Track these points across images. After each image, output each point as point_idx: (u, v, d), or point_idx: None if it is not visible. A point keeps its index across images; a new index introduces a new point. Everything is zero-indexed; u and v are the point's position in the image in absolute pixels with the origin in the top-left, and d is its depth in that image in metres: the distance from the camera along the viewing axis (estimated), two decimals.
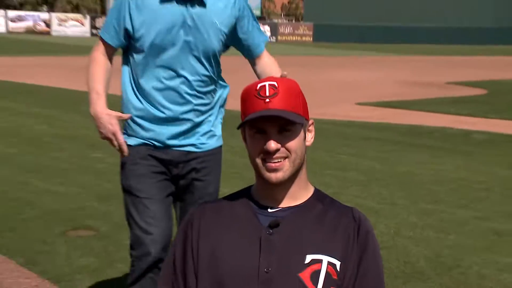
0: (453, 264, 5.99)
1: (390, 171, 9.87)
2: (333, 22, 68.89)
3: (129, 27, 3.51)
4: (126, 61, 3.63)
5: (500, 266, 5.98)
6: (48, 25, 61.21)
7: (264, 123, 2.22)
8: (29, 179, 8.74)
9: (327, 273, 2.21)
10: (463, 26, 69.46)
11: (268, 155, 2.23)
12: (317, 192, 2.42)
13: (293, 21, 79.39)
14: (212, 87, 3.76)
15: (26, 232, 6.61)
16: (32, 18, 62.20)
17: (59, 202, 7.67)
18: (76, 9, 78.53)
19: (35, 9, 73.57)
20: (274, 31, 68.53)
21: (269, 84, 2.24)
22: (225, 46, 3.74)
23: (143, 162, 3.61)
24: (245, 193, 2.43)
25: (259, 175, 2.30)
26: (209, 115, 3.80)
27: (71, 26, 61.98)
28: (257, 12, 74.35)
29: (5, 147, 10.89)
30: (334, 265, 2.22)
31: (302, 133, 2.30)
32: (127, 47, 3.63)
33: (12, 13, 62.16)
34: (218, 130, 3.87)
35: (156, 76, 3.57)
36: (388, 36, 66.29)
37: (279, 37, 67.45)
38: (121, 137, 3.47)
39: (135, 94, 3.68)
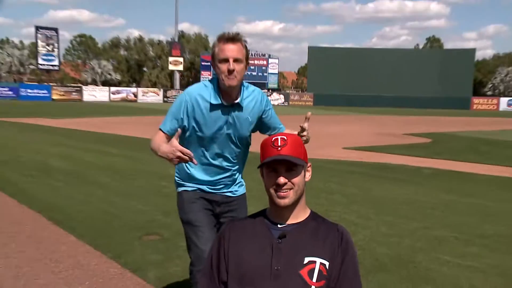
0: (408, 261, 6.03)
1: (365, 195, 9.88)
2: (327, 92, 68.77)
3: (186, 124, 3.51)
4: (181, 141, 3.56)
5: (441, 262, 6.00)
6: (135, 95, 61.62)
7: (277, 165, 2.40)
8: (117, 200, 8.88)
9: (319, 270, 2.34)
10: (416, 96, 69.28)
11: (278, 187, 2.40)
12: (312, 213, 2.56)
13: (300, 91, 78.97)
14: (242, 156, 3.80)
15: (114, 236, 6.73)
16: (126, 92, 62.56)
17: (137, 216, 7.79)
18: (154, 85, 78.94)
19: (127, 86, 74.15)
20: (287, 98, 68.60)
21: (281, 138, 2.43)
22: (253, 130, 3.72)
23: (198, 201, 3.65)
24: (261, 213, 2.57)
25: (271, 200, 2.46)
26: (239, 172, 3.85)
27: (150, 96, 62.27)
28: (275, 86, 74.10)
29: (103, 177, 11.06)
30: (324, 265, 2.36)
31: (303, 172, 2.46)
32: (185, 135, 3.61)
33: (113, 89, 62.74)
34: (243, 181, 3.93)
35: (203, 155, 3.60)
36: (365, 101, 66.10)
37: (290, 102, 67.51)
38: (184, 149, 3.17)
39: (186, 165, 3.68)
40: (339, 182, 11.19)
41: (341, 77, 74.33)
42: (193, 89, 3.53)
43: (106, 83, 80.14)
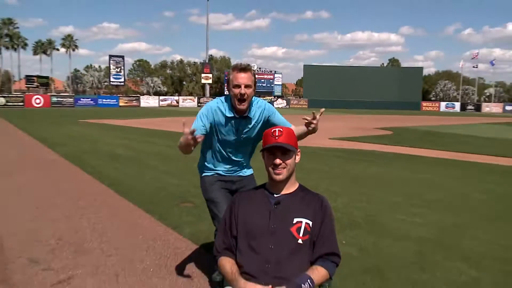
0: (375, 220, 6.00)
1: (345, 173, 9.84)
2: (318, 98, 68.53)
3: (207, 127, 3.39)
4: (204, 140, 3.40)
5: (398, 220, 6.00)
6: (177, 102, 61.78)
7: (274, 150, 2.42)
8: (162, 177, 8.88)
9: (305, 228, 2.37)
10: (381, 100, 69.31)
11: (275, 166, 2.42)
12: (300, 186, 2.57)
13: (298, 97, 79.03)
14: (250, 151, 3.74)
15: (160, 203, 6.73)
16: (170, 99, 62.87)
17: (176, 188, 7.77)
18: (190, 94, 79.47)
19: (172, 95, 74.91)
20: (288, 102, 68.52)
21: (278, 129, 2.45)
22: (263, 130, 3.33)
23: (216, 183, 3.61)
24: (262, 186, 2.58)
25: (270, 176, 2.48)
26: (247, 160, 3.75)
27: (188, 102, 62.32)
28: (279, 94, 74.13)
29: (152, 160, 11.11)
30: (308, 224, 2.38)
31: (294, 156, 2.48)
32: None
33: (161, 97, 63.32)
34: (250, 165, 3.82)
35: (219, 151, 3.56)
36: (346, 105, 66.04)
37: (290, 106, 67.47)
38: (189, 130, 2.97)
39: (206, 157, 3.66)
40: (326, 163, 11.15)
41: (328, 87, 74.03)
42: (213, 103, 3.46)
43: (157, 93, 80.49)
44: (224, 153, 3.58)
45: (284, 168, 2.43)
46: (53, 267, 4.23)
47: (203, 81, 73.27)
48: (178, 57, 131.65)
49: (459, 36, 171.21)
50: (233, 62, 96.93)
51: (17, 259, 4.42)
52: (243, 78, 3.26)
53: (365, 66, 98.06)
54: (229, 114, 3.40)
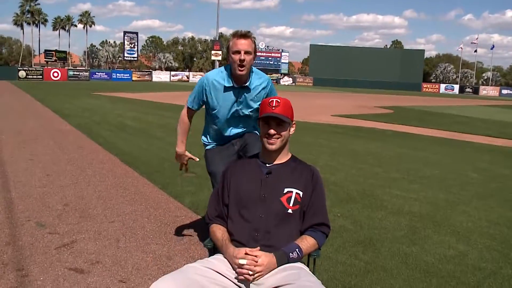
0: (370, 194, 5.92)
1: (344, 148, 9.75)
2: (323, 76, 68.19)
3: (205, 100, 3.37)
4: (206, 114, 3.53)
5: (392, 195, 5.90)
6: (188, 77, 61.62)
7: (270, 119, 2.30)
8: (168, 147, 8.58)
9: (295, 198, 2.28)
10: (384, 80, 68.64)
11: (269, 136, 2.30)
12: (293, 156, 2.45)
13: (304, 76, 78.49)
14: (253, 120, 3.47)
15: (164, 173, 6.68)
16: (181, 75, 62.75)
17: None
18: (200, 70, 79.13)
19: (183, 70, 74.48)
20: (294, 80, 68.26)
21: (275, 100, 2.32)
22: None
23: (217, 155, 3.54)
24: (256, 156, 2.48)
25: (263, 145, 2.36)
26: (250, 127, 3.54)
27: (198, 77, 62.01)
28: (286, 72, 73.53)
29: (159, 132, 10.93)
30: (299, 194, 2.29)
31: (288, 127, 2.36)
32: (206, 108, 3.48)
33: (172, 73, 63.13)
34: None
35: (220, 123, 3.43)
36: (349, 83, 65.60)
37: (296, 83, 67.11)
38: (184, 166, 3.73)
39: (209, 130, 3.62)
40: (326, 138, 11.06)
41: (333, 66, 73.55)
42: (211, 74, 3.32)
43: (168, 68, 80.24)
44: (225, 127, 3.46)
45: (278, 138, 2.31)
46: (58, 231, 4.19)
47: (213, 57, 72.43)
48: (189, 35, 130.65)
49: (459, 21, 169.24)
50: None
51: (26, 222, 4.39)
52: (243, 44, 3.09)
53: (369, 47, 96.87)
54: (228, 84, 3.24)
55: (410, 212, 5.21)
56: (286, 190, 2.29)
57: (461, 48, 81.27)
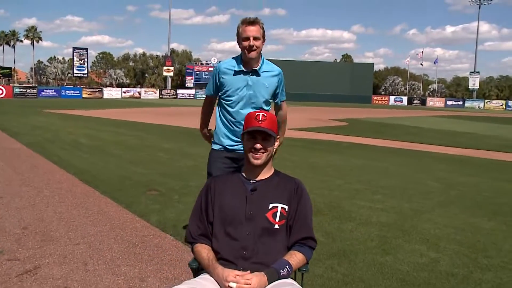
0: (336, 206, 5.95)
1: (305, 161, 9.82)
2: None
3: (218, 84, 3.41)
4: (219, 104, 3.52)
5: (358, 206, 5.96)
6: (139, 94, 60.47)
7: (256, 133, 2.27)
8: (127, 166, 8.58)
9: (281, 213, 2.24)
10: (335, 94, 70.12)
11: (255, 150, 2.27)
12: (276, 171, 2.43)
13: None
14: None
15: (126, 192, 6.48)
16: (133, 91, 61.45)
17: (142, 177, 7.51)
18: (152, 86, 78.05)
19: (134, 87, 73.31)
20: None
21: (262, 114, 2.30)
22: (271, 96, 3.50)
23: (219, 160, 3.44)
24: (238, 171, 2.43)
25: (247, 160, 2.32)
26: None
27: (150, 94, 61.13)
28: None
29: (117, 150, 10.70)
30: (284, 208, 2.25)
31: (274, 141, 2.33)
32: (219, 98, 3.50)
33: (124, 89, 61.82)
34: None
35: (230, 113, 3.40)
36: (302, 97, 66.28)
37: None
38: (209, 140, 3.61)
39: (220, 126, 3.50)
40: (287, 152, 11.06)
41: (285, 80, 73.98)
42: (222, 63, 3.44)
43: (119, 85, 78.93)
44: (232, 119, 3.41)
45: (263, 153, 2.28)
46: (18, 257, 3.95)
47: (165, 73, 72.50)
48: (140, 50, 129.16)
49: (405, 36, 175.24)
50: (194, 55, 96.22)
51: None
52: (252, 30, 3.19)
53: (319, 61, 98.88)
54: (237, 68, 3.32)
55: (378, 222, 5.26)
56: (271, 205, 2.25)
57: (408, 61, 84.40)
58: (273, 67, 3.47)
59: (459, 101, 69.28)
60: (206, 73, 70.87)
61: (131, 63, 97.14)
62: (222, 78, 3.37)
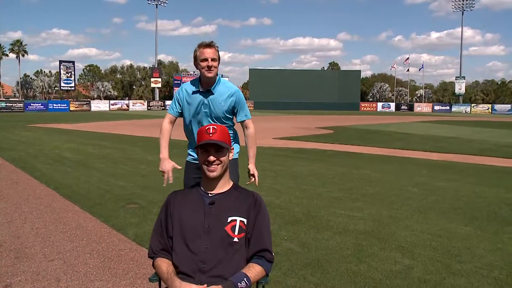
0: (315, 215, 5.98)
1: (287, 170, 9.84)
2: (263, 100, 68.90)
3: (181, 106, 3.60)
4: (184, 119, 3.66)
5: (337, 214, 5.99)
6: (127, 106, 60.29)
7: (208, 146, 2.30)
8: (108, 179, 8.53)
9: (239, 226, 2.26)
10: (323, 101, 70.37)
11: (209, 163, 2.29)
12: (234, 184, 2.46)
13: (245, 100, 78.99)
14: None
15: (105, 206, 6.46)
16: (120, 103, 61.21)
17: (122, 190, 7.50)
18: (140, 98, 77.78)
19: (122, 99, 72.97)
20: None
21: (212, 127, 2.33)
22: (230, 113, 3.62)
23: (192, 171, 3.59)
24: (197, 185, 2.44)
25: (204, 174, 2.35)
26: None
27: (138, 105, 61.07)
28: None
29: (99, 163, 10.57)
30: (243, 221, 2.28)
31: (227, 153, 2.36)
32: (183, 115, 3.65)
33: (112, 101, 61.48)
34: (235, 147, 3.69)
35: (193, 128, 3.59)
36: (289, 106, 66.73)
37: None
38: (169, 175, 3.47)
39: (189, 139, 3.73)
40: (269, 161, 11.10)
41: (272, 89, 74.44)
42: (184, 85, 3.61)
43: (107, 97, 78.75)
44: (194, 125, 3.60)
45: (218, 164, 2.31)
46: None
47: (152, 85, 72.48)
48: (127, 62, 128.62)
49: (390, 42, 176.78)
50: (181, 66, 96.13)
51: None
52: (209, 52, 3.39)
53: (307, 69, 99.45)
54: (195, 89, 3.52)
55: (355, 231, 5.30)
56: (230, 219, 2.28)
57: (395, 67, 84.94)
58: (229, 87, 3.61)
59: (446, 105, 69.92)
60: None
61: (118, 75, 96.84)
62: (183, 98, 3.58)
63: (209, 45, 3.44)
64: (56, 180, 8.42)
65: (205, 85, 3.51)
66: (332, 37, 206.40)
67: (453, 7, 75.91)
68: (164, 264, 2.26)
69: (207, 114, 3.54)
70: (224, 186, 2.39)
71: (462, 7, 74.50)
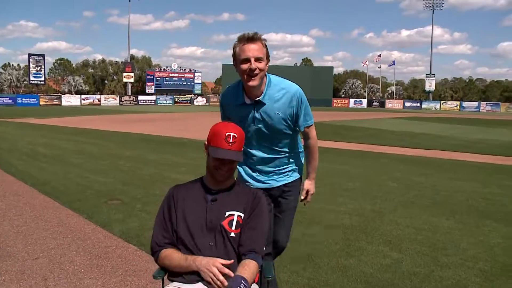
0: (300, 210, 5.85)
1: None
2: None
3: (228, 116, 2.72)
4: None
5: (323, 209, 6.01)
6: (99, 100, 59.24)
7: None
8: (88, 175, 8.34)
9: (237, 221, 2.22)
10: None
11: (222, 169, 2.24)
12: (237, 180, 2.44)
13: (217, 95, 78.62)
14: (289, 146, 2.96)
15: (87, 202, 6.32)
16: (92, 98, 60.17)
17: (103, 186, 7.36)
18: (112, 93, 76.41)
19: (94, 94, 71.51)
20: (208, 100, 67.95)
21: (233, 135, 2.22)
22: (292, 125, 2.82)
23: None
24: (200, 180, 2.37)
25: (212, 175, 2.28)
26: (287, 160, 3.00)
27: (110, 100, 59.98)
28: (199, 92, 73.42)
29: (77, 159, 10.40)
30: (240, 216, 2.23)
31: None
32: None
33: (83, 96, 60.55)
34: (296, 167, 3.08)
35: (247, 152, 2.81)
36: None
37: (210, 103, 66.73)
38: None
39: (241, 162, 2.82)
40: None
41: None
42: (224, 93, 2.87)
43: (78, 92, 77.27)
44: (249, 155, 2.84)
45: (230, 170, 2.27)
46: None
47: (125, 80, 71.51)
48: (99, 57, 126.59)
49: (362, 39, 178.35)
50: (154, 61, 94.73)
51: None
52: (252, 49, 2.53)
53: (280, 65, 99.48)
54: (239, 101, 2.71)
55: (342, 225, 5.33)
56: (227, 213, 2.24)
57: (366, 64, 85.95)
58: (283, 87, 2.75)
59: (417, 102, 71.14)
60: (166, 78, 70.19)
61: (90, 70, 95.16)
62: (228, 113, 2.81)
63: (252, 38, 2.56)
64: (33, 176, 8.20)
65: (250, 95, 2.68)
66: (305, 34, 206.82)
67: (424, 5, 77.31)
68: (175, 253, 2.20)
69: (261, 131, 2.74)
70: (227, 183, 2.34)
71: (433, 6, 75.89)
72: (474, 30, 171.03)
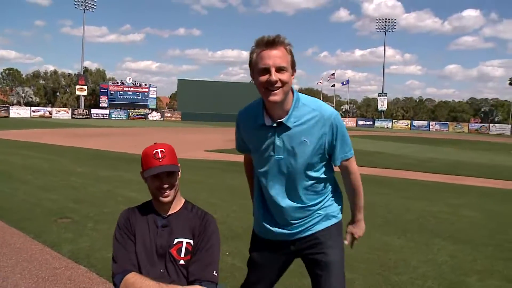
0: None
1: (222, 184, 9.83)
2: (191, 111, 68.34)
3: (245, 141, 2.40)
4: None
5: None
6: (50, 113, 57.61)
7: (160, 173, 2.17)
8: (37, 192, 8.07)
9: (186, 248, 2.20)
10: None
11: (162, 189, 2.19)
12: (186, 202, 2.35)
13: (172, 110, 77.85)
14: (323, 187, 2.45)
15: (35, 220, 6.09)
16: (43, 110, 58.53)
17: (53, 204, 7.12)
18: (64, 105, 74.46)
19: (44, 106, 69.49)
20: (162, 115, 67.11)
21: (160, 150, 2.18)
22: (322, 154, 2.26)
23: (260, 243, 2.66)
24: (150, 204, 2.30)
25: (156, 198, 2.23)
26: (323, 205, 2.50)
27: (62, 113, 58.49)
28: (154, 107, 72.68)
29: (26, 175, 10.02)
30: (189, 243, 2.20)
31: (178, 174, 2.25)
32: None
33: (33, 108, 58.71)
34: (335, 210, 2.59)
35: (269, 184, 2.35)
36: (217, 117, 66.45)
37: (165, 118, 66.00)
38: None
39: (258, 200, 2.56)
40: (203, 175, 11.02)
41: (201, 101, 74.11)
42: (241, 111, 2.40)
43: (28, 104, 74.96)
44: (270, 190, 2.33)
45: (171, 189, 2.20)
46: None
47: (78, 92, 70.10)
48: (51, 68, 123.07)
49: (317, 58, 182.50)
50: (108, 74, 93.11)
51: None
52: (273, 57, 2.04)
53: (235, 82, 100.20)
54: (257, 122, 2.23)
55: None
56: (176, 241, 2.21)
57: (321, 82, 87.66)
58: (314, 108, 2.19)
59: (370, 121, 73.10)
60: (121, 92, 69.12)
61: (41, 81, 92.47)
62: (246, 134, 2.37)
63: (273, 42, 2.04)
64: None
65: (273, 115, 2.17)
66: None
67: (377, 27, 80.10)
68: (146, 278, 2.09)
69: (282, 164, 2.23)
70: (176, 206, 2.29)
71: (385, 27, 78.80)
72: (423, 52, 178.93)
